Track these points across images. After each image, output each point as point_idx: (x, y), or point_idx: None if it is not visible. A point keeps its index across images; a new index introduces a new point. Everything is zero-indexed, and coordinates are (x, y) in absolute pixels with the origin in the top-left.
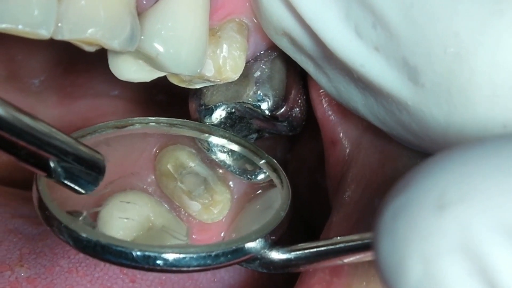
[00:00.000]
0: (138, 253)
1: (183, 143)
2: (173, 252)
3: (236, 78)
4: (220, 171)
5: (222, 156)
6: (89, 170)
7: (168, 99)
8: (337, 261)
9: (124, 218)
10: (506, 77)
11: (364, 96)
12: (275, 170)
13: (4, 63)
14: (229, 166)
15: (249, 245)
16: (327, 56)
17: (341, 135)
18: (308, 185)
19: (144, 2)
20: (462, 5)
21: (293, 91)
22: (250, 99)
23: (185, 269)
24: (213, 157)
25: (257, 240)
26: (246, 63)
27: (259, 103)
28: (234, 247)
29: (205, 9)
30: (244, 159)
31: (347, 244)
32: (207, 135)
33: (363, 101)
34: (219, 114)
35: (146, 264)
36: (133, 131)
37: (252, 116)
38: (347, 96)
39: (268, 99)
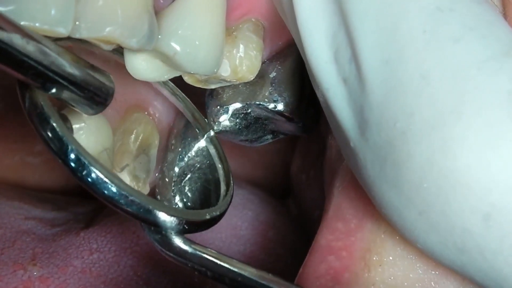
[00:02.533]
0: (74, 154)
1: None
2: (100, 171)
3: (252, 78)
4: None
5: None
6: (98, 92)
7: None
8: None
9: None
10: (435, 177)
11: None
12: (227, 177)
13: None
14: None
15: (162, 215)
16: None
17: None
18: (311, 183)
19: (161, 1)
20: (428, 91)
21: (308, 92)
22: (265, 100)
23: (98, 192)
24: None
25: (172, 217)
26: (261, 63)
27: (274, 104)
28: (149, 207)
29: (222, 9)
30: None
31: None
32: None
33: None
34: (234, 115)
35: (77, 169)
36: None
37: (267, 117)
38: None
39: (283, 100)
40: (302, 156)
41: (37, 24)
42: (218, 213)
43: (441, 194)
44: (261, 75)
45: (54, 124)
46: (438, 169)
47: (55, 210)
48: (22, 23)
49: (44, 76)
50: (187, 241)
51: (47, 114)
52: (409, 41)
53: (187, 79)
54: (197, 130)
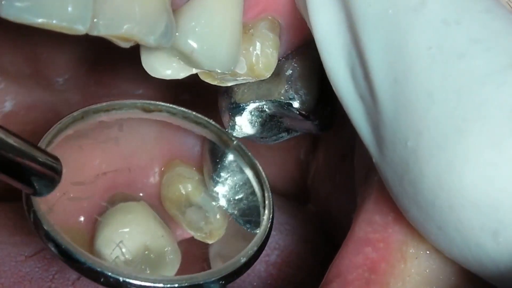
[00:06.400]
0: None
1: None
2: (142, 281)
3: (268, 76)
4: (219, 204)
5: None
6: (46, 173)
7: (192, 98)
8: None
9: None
10: (446, 196)
11: None
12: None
13: (29, 60)
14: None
15: (204, 283)
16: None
17: None
18: (331, 185)
19: None
20: (434, 109)
21: (324, 90)
22: (281, 97)
23: None
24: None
25: (210, 280)
26: (277, 61)
27: (290, 102)
28: (185, 284)
29: (239, 7)
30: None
31: None
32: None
33: None
34: (250, 112)
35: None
36: (156, 117)
37: (283, 114)
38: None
39: (299, 98)
40: (325, 159)
41: (54, 21)
42: (253, 252)
43: (453, 212)
44: (277, 73)
45: (64, 247)
46: (448, 188)
47: None
48: (39, 20)
49: None
50: None
51: (52, 234)
52: (415, 58)
53: (203, 76)
54: (224, 148)
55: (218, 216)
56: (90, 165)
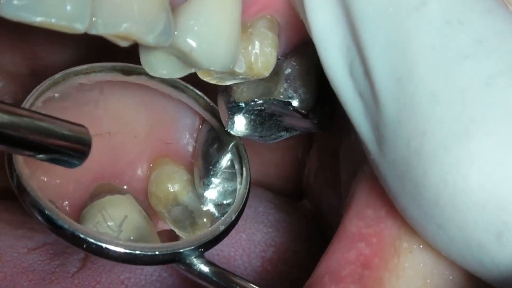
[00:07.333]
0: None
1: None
2: (122, 247)
3: (267, 75)
4: (205, 208)
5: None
6: (76, 147)
7: None
8: None
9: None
10: (450, 196)
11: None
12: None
13: (28, 60)
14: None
15: (180, 251)
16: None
17: None
18: (323, 182)
19: None
20: (438, 110)
21: (323, 88)
22: (280, 96)
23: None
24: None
25: (186, 249)
26: (276, 60)
27: (289, 100)
28: (164, 252)
29: (238, 5)
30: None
31: None
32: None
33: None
34: (249, 111)
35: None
36: (135, 80)
37: (282, 113)
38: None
39: (298, 96)
40: (318, 156)
41: (53, 20)
42: (231, 219)
43: (456, 211)
44: (276, 72)
45: (47, 212)
46: (452, 188)
47: None
48: (38, 19)
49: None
50: (205, 262)
51: (36, 199)
52: (418, 58)
53: (202, 75)
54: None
55: (205, 220)
56: None
